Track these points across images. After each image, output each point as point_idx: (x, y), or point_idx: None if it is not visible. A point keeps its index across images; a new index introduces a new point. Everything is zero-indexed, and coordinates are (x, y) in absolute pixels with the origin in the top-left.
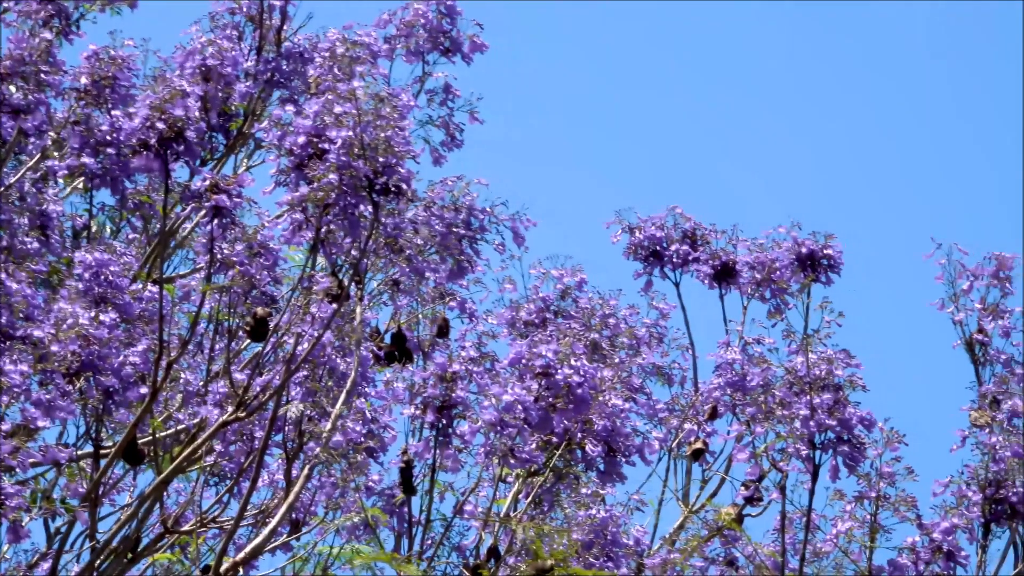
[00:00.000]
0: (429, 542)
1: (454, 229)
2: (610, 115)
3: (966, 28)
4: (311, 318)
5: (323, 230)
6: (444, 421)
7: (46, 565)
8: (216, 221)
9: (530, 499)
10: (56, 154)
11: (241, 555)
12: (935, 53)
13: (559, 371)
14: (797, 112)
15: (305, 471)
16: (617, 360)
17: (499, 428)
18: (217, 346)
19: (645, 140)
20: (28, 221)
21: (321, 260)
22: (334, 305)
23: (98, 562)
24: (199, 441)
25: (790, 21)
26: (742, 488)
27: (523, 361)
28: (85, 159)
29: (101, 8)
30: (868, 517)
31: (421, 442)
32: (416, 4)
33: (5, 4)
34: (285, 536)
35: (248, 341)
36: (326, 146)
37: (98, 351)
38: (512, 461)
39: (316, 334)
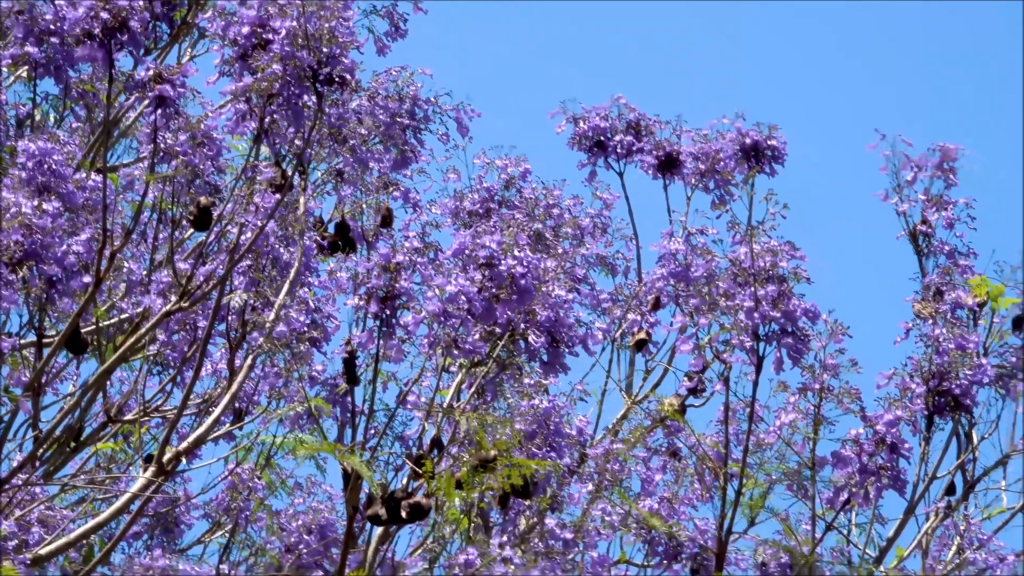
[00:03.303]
0: (372, 432)
1: (398, 119)
2: (554, 5)
3: None
4: (255, 208)
5: (267, 120)
6: (387, 311)
7: None
8: (160, 111)
9: (473, 389)
10: None
11: (184, 444)
12: None
13: (503, 262)
14: (741, 2)
15: (248, 361)
16: (561, 250)
17: (442, 318)
18: (160, 235)
19: (590, 31)
20: None
21: (265, 150)
22: (278, 195)
23: (41, 451)
24: (142, 330)
25: None
26: (685, 379)
27: (467, 252)
28: (29, 48)
29: None
30: (811, 409)
31: (364, 332)
32: None
33: None
34: (228, 425)
35: (191, 231)
36: (270, 36)
37: (41, 240)
38: (455, 351)
39: (259, 224)
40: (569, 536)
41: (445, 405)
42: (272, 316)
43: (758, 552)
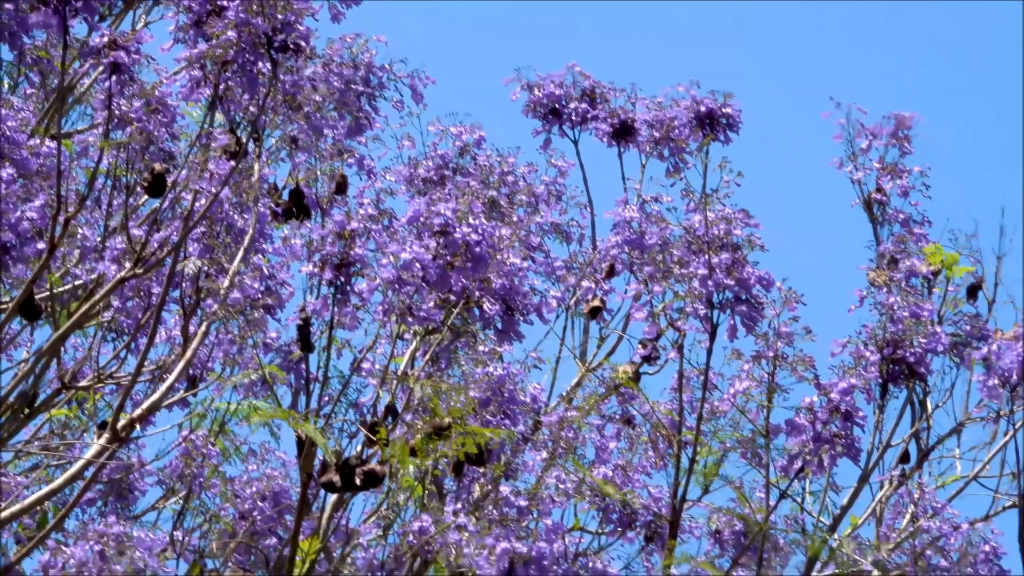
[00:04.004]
0: (326, 399)
1: (352, 86)
2: None
3: None
4: (209, 175)
5: (221, 87)
6: (342, 278)
7: None
8: (114, 77)
9: (428, 357)
10: None
11: (138, 411)
12: None
13: (457, 229)
14: None
15: (203, 327)
16: (515, 218)
17: (397, 286)
18: (115, 202)
19: None
20: None
21: (219, 117)
22: (232, 162)
23: None
24: (97, 297)
25: None
26: (639, 346)
27: (421, 219)
28: None
29: None
30: (766, 377)
31: (319, 299)
32: None
33: None
34: (182, 392)
35: (146, 197)
36: (224, 3)
37: None
38: (410, 319)
39: (214, 190)
40: (523, 503)
41: (399, 372)
42: (226, 283)
43: (712, 520)
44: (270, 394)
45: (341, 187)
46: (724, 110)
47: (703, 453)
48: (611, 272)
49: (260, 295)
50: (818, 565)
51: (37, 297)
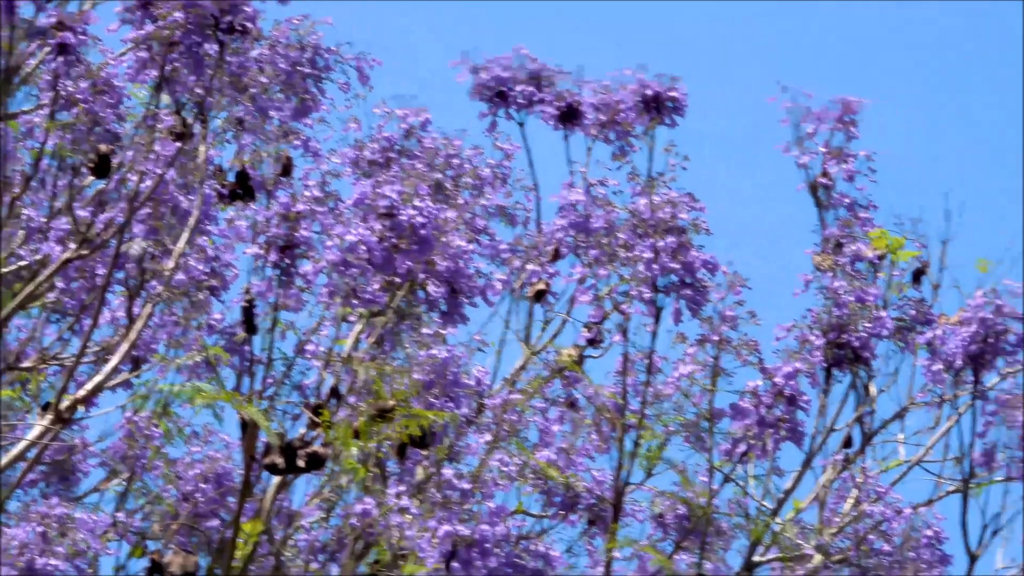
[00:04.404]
0: (270, 381)
1: (299, 68)
2: None
3: None
4: (155, 156)
5: (168, 68)
6: (287, 260)
7: None
8: (61, 58)
9: (372, 339)
10: None
11: (82, 392)
12: None
13: (403, 211)
14: None
15: (147, 309)
16: (461, 201)
17: (342, 268)
18: (60, 183)
19: None
20: None
21: (165, 98)
22: (178, 143)
23: None
24: (41, 278)
25: None
26: (584, 330)
27: (367, 201)
28: None
29: None
30: (710, 360)
31: (264, 281)
32: None
33: None
34: (126, 373)
35: (91, 178)
36: None
37: None
38: (355, 301)
39: (159, 172)
40: (466, 486)
41: (344, 355)
42: (171, 264)
43: (655, 503)
44: (214, 376)
45: (287, 169)
46: (670, 93)
47: (647, 437)
48: (556, 255)
49: (205, 277)
50: (761, 549)
51: None
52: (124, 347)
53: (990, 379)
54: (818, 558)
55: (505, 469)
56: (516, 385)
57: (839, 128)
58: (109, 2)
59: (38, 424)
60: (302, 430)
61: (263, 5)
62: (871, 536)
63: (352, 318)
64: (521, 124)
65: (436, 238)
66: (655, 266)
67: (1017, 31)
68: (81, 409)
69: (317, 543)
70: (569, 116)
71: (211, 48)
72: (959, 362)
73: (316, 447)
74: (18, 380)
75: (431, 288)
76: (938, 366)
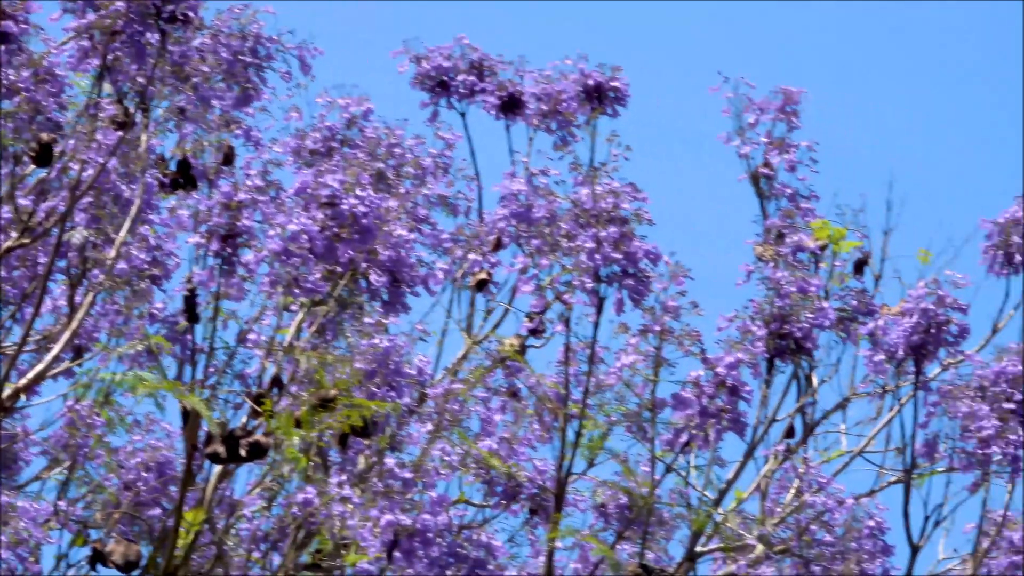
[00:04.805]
0: (212, 370)
1: (240, 57)
2: None
3: None
4: (96, 145)
5: (110, 57)
6: (229, 249)
7: None
8: (2, 47)
9: (313, 328)
10: None
11: (23, 381)
12: None
13: (344, 201)
14: None
15: (88, 298)
16: (403, 190)
17: (284, 257)
18: (2, 171)
19: None
20: None
21: (107, 87)
22: (120, 132)
23: None
24: None
25: None
26: (526, 319)
27: (309, 190)
28: None
29: None
30: (652, 351)
31: (205, 270)
32: None
33: None
34: (68, 362)
35: (33, 167)
36: None
37: None
38: (296, 290)
39: (101, 161)
40: (408, 476)
41: (285, 344)
42: (113, 253)
43: (597, 493)
44: (156, 365)
45: (228, 158)
46: (612, 84)
47: (589, 426)
48: (498, 245)
49: (146, 266)
50: (703, 539)
51: None
52: (66, 336)
53: (932, 370)
54: (760, 548)
55: (447, 459)
56: (458, 375)
57: (781, 118)
58: None
59: None
60: (244, 419)
61: None
62: (813, 526)
63: (294, 307)
64: (463, 114)
65: (378, 227)
66: (597, 256)
67: (957, 23)
68: (23, 398)
69: (259, 532)
70: (511, 106)
71: (153, 37)
72: (901, 353)
73: (258, 436)
74: None
75: (373, 277)
76: (880, 357)
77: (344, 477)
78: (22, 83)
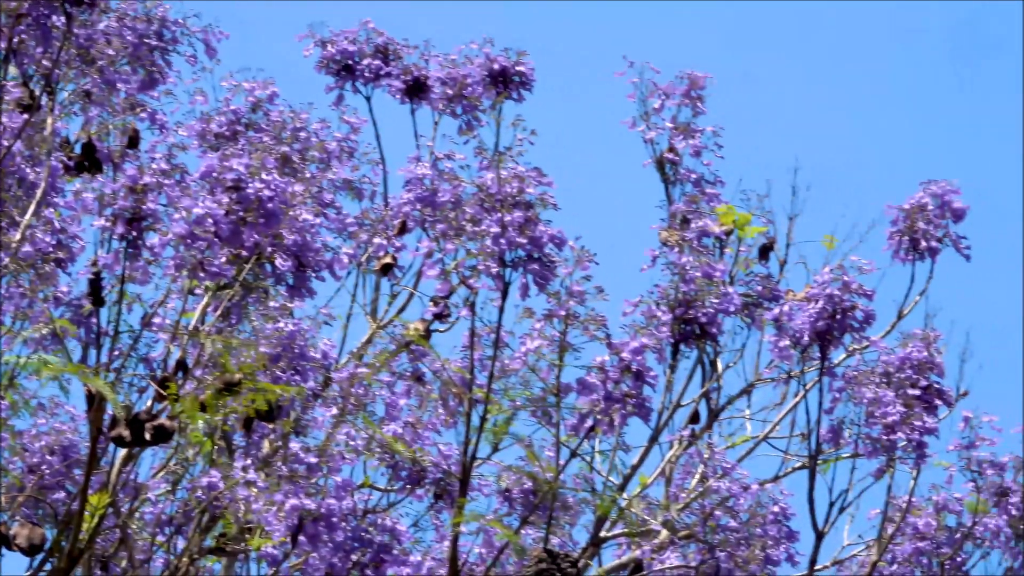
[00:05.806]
0: (117, 353)
1: (146, 40)
2: None
3: None
4: (1, 127)
5: (15, 40)
6: (134, 233)
7: None
8: None
9: (219, 312)
10: None
11: None
12: None
13: (250, 185)
14: None
15: None
16: (308, 174)
17: (189, 241)
18: None
19: None
20: None
21: (13, 70)
22: (25, 115)
23: None
24: None
25: None
26: (431, 304)
27: (214, 174)
28: None
29: None
30: (557, 335)
31: (110, 253)
32: None
33: None
34: None
35: None
36: None
37: None
38: (201, 274)
39: (6, 144)
40: (313, 460)
41: (190, 327)
42: (18, 236)
43: (502, 478)
44: (60, 348)
45: (133, 141)
46: (517, 68)
47: (493, 411)
48: (403, 229)
49: (51, 249)
50: (607, 524)
51: None
52: None
53: (837, 355)
54: (664, 534)
55: (352, 443)
56: (363, 359)
57: (686, 103)
58: None
59: None
60: (149, 403)
61: None
62: (718, 512)
63: (199, 291)
64: (368, 98)
65: (283, 211)
66: (502, 240)
67: (860, 10)
68: None
69: (163, 516)
70: (416, 90)
71: (58, 20)
72: (806, 338)
73: (162, 420)
74: None
75: (278, 261)
76: (785, 342)
77: (249, 461)
78: None
